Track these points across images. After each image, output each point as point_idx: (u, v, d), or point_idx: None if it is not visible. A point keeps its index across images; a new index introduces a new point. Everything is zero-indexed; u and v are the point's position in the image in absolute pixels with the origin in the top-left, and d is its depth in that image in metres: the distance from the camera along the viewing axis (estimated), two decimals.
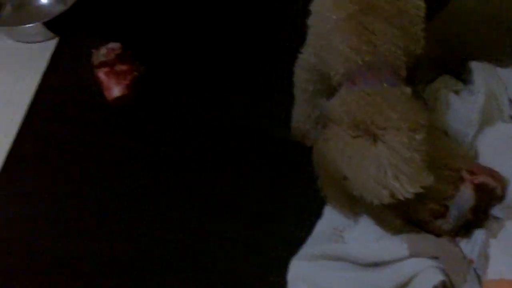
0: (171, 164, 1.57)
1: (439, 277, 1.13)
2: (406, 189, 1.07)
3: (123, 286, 1.38)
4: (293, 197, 1.48)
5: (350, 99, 1.15)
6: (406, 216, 1.17)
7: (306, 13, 1.30)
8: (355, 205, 1.27)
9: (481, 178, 1.22)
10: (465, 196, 1.20)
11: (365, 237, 1.25)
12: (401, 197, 1.07)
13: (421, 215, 1.18)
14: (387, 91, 1.15)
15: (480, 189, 1.22)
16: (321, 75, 1.33)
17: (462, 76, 1.54)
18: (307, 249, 1.32)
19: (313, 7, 1.29)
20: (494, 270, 1.10)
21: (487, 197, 1.22)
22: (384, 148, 1.08)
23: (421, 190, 1.07)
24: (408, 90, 1.16)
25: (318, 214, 1.39)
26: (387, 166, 1.07)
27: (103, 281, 1.38)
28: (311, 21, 1.30)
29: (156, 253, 1.41)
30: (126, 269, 1.39)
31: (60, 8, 1.88)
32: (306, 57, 1.35)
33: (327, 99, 1.27)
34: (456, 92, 1.49)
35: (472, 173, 1.23)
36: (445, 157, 1.15)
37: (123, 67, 1.65)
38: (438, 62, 1.54)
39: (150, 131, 1.64)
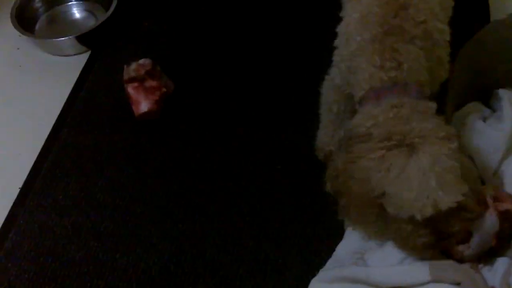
0: (195, 177, 1.58)
1: None
2: (449, 198, 1.05)
3: None
4: (316, 217, 1.49)
5: (377, 112, 1.15)
6: (434, 233, 1.14)
7: (334, 34, 1.32)
8: (381, 228, 1.26)
9: (505, 205, 1.20)
10: (489, 222, 1.18)
11: (387, 260, 1.23)
12: (444, 207, 1.05)
13: (451, 229, 1.15)
14: (414, 103, 1.14)
15: (504, 216, 1.20)
16: (346, 97, 1.33)
17: (490, 102, 1.54)
18: (327, 270, 1.31)
19: (339, 28, 1.30)
20: None
21: (510, 225, 1.20)
22: (426, 157, 1.06)
23: (462, 198, 1.06)
24: (434, 105, 1.16)
25: (340, 236, 1.39)
26: (431, 175, 1.05)
27: None
28: (337, 42, 1.31)
29: (185, 265, 1.41)
30: (160, 281, 1.40)
31: (92, 23, 1.92)
32: (332, 78, 1.36)
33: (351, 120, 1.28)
34: (484, 119, 1.48)
35: (496, 199, 1.21)
36: (469, 179, 1.14)
37: (153, 83, 1.68)
38: (467, 88, 1.53)
39: (176, 145, 1.66)
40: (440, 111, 1.18)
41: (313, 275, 1.31)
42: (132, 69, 1.68)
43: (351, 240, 1.34)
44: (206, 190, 1.55)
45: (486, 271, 1.22)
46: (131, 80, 1.67)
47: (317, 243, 1.44)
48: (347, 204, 1.25)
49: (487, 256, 1.24)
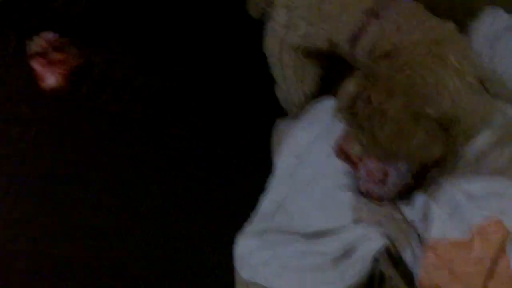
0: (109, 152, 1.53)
1: (382, 241, 1.12)
2: None
3: None
4: (239, 178, 1.49)
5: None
6: None
7: None
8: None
9: None
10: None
11: (309, 207, 1.23)
12: None
13: None
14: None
15: None
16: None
17: None
18: (252, 225, 1.30)
19: None
20: (435, 232, 1.09)
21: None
22: None
23: None
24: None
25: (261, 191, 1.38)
26: None
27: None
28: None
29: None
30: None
31: None
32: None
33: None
34: None
35: None
36: None
37: (59, 57, 1.59)
38: None
39: (90, 118, 1.58)
40: None
41: (240, 231, 1.30)
42: (35, 43, 1.59)
43: (274, 192, 1.33)
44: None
45: (405, 207, 1.22)
46: (36, 54, 1.58)
47: (241, 198, 1.42)
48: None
49: (405, 193, 1.25)
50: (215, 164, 1.55)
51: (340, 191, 1.23)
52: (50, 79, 1.57)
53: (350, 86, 1.16)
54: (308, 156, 1.33)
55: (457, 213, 1.11)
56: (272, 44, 1.39)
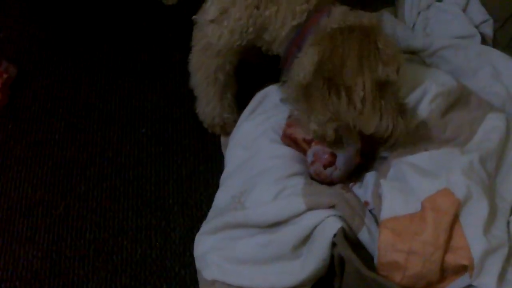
0: (54, 158, 1.46)
1: (337, 225, 1.09)
2: None
3: None
4: (191, 173, 1.44)
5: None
6: None
7: None
8: None
9: None
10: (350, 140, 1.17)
11: (263, 198, 1.19)
12: None
13: None
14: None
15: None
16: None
17: None
18: (209, 222, 1.26)
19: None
20: (387, 209, 1.07)
21: (371, 139, 1.19)
22: None
23: None
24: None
25: (217, 186, 1.34)
26: None
27: None
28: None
29: (68, 251, 1.31)
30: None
31: None
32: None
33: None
34: None
35: None
36: None
37: None
38: None
39: (29, 129, 1.51)
40: None
41: (198, 230, 1.27)
42: None
43: (228, 187, 1.29)
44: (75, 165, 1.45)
45: (357, 188, 1.21)
46: None
47: (195, 197, 1.39)
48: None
49: (356, 173, 1.23)
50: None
51: (291, 178, 1.20)
52: None
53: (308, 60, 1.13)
54: (255, 146, 1.30)
55: (407, 188, 1.09)
56: (206, 61, 1.34)
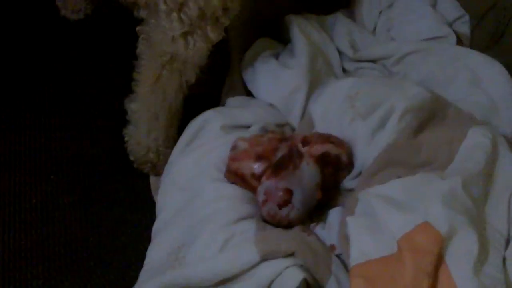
0: None
1: (299, 276, 1.10)
2: None
3: None
4: (116, 225, 1.45)
5: None
6: None
7: None
8: None
9: (320, 148, 1.23)
10: (307, 173, 1.20)
11: (207, 251, 1.20)
12: None
13: None
14: None
15: (321, 160, 1.22)
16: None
17: (283, 36, 1.55)
18: (142, 284, 1.25)
19: None
20: (357, 252, 1.09)
21: (332, 168, 1.23)
22: None
23: None
24: None
25: (148, 239, 1.34)
26: None
27: None
28: None
29: None
30: None
31: None
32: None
33: None
34: (277, 57, 1.50)
35: (309, 144, 1.22)
36: None
37: None
38: (251, 23, 1.54)
39: None
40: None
41: None
42: None
43: (162, 240, 1.29)
44: None
45: (320, 229, 1.23)
46: None
47: (123, 256, 1.40)
48: None
49: (317, 211, 1.26)
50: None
51: (240, 223, 1.22)
52: None
53: None
54: (194, 186, 1.32)
55: (378, 227, 1.12)
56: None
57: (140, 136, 1.46)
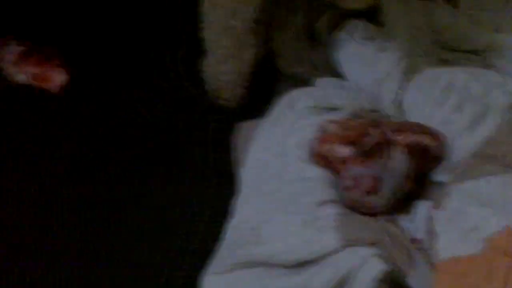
0: None
1: (380, 267, 1.09)
2: None
3: None
4: (195, 196, 1.46)
5: None
6: None
7: None
8: None
9: (412, 137, 1.21)
10: (398, 161, 1.18)
11: (286, 231, 1.20)
12: None
13: None
14: None
15: (413, 150, 1.20)
16: None
17: (374, 18, 1.53)
18: (219, 260, 1.26)
19: None
20: (445, 248, 1.08)
21: (423, 159, 1.20)
22: None
23: None
24: None
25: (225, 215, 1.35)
26: None
27: None
28: None
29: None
30: None
31: None
32: None
33: None
34: (371, 40, 1.48)
35: (400, 132, 1.21)
36: None
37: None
38: None
39: None
40: None
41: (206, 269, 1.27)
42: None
43: (242, 214, 1.30)
44: None
45: (405, 221, 1.22)
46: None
47: (201, 227, 1.40)
48: None
49: (403, 202, 1.24)
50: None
51: (322, 207, 1.21)
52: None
53: None
54: (278, 163, 1.32)
55: (467, 224, 1.10)
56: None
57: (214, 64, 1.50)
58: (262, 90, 1.56)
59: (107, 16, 1.80)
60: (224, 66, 1.47)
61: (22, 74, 1.66)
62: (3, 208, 1.44)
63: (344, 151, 1.23)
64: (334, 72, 1.54)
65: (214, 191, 1.46)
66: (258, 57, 1.50)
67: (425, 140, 1.23)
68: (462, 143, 1.25)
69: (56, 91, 1.64)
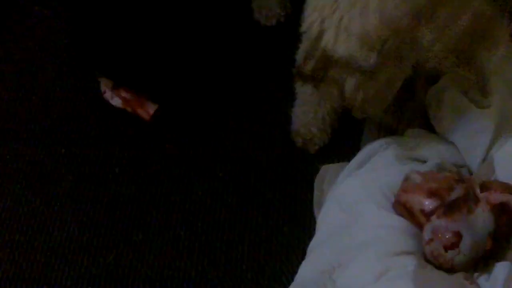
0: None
1: None
2: None
3: None
4: (271, 233, 1.48)
5: None
6: None
7: None
8: None
9: (500, 197, 1.18)
10: (482, 219, 1.16)
11: (361, 278, 1.19)
12: None
13: None
14: None
15: (499, 210, 1.17)
16: None
17: (472, 73, 1.51)
18: None
19: None
20: None
21: (508, 220, 1.18)
22: None
23: None
24: None
25: (302, 254, 1.36)
26: None
27: None
28: None
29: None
30: None
31: None
32: None
33: None
34: (466, 93, 1.46)
35: (487, 190, 1.18)
36: None
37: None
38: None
39: None
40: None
41: None
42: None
43: (317, 257, 1.30)
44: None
45: (483, 280, 1.19)
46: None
47: (274, 265, 1.41)
48: None
49: (483, 261, 1.21)
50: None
51: (400, 257, 1.20)
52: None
53: None
54: (358, 210, 1.31)
55: None
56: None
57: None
58: (350, 133, 1.56)
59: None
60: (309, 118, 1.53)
61: (117, 98, 1.69)
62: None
63: (426, 202, 1.22)
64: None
65: (290, 230, 1.46)
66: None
67: None
68: None
69: (147, 118, 1.66)
